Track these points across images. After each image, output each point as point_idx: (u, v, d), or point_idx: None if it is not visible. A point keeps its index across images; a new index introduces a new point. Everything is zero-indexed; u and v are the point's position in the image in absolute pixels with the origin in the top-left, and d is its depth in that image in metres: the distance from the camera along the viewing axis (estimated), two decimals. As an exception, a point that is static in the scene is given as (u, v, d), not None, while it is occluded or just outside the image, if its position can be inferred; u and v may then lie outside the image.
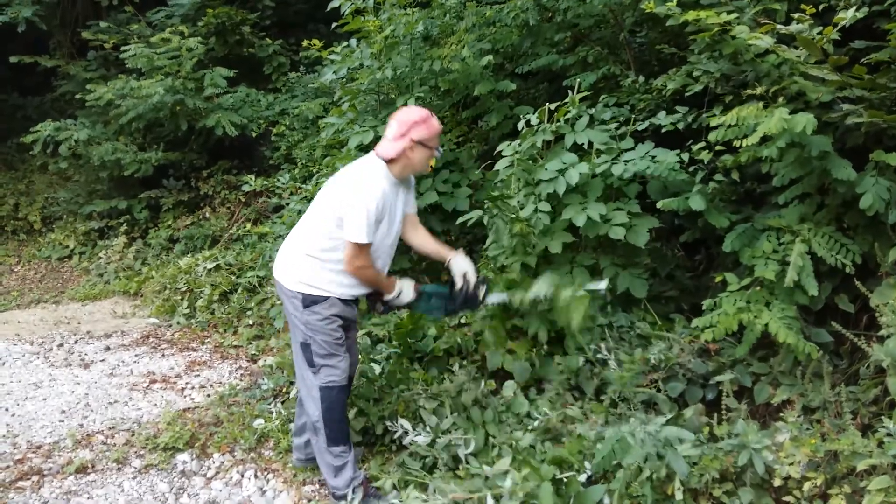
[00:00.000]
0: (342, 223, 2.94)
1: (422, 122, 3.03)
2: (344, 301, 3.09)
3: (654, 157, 3.48)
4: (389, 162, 3.04)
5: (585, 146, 3.63)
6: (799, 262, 2.97)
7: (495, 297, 3.36)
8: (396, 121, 3.05)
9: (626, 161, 3.48)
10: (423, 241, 3.37)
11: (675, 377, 3.30)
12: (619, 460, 2.68)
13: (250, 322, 5.71)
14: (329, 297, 3.05)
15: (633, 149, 3.59)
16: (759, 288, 3.13)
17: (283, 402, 4.16)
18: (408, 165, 3.07)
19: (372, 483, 3.20)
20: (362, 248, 2.95)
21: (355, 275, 3.02)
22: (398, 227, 3.16)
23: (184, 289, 6.44)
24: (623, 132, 3.69)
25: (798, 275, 2.97)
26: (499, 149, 3.79)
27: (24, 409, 4.31)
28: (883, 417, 2.61)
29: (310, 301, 3.04)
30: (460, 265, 3.25)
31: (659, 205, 3.44)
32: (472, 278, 3.23)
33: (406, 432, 3.33)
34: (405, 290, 3.19)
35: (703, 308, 3.24)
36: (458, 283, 3.23)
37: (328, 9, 4.74)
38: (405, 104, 4.30)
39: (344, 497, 3.10)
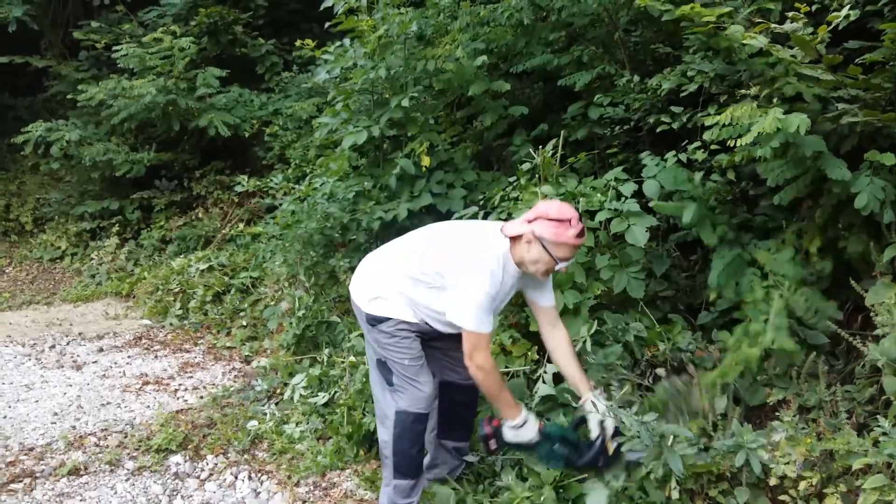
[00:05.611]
0: (444, 295, 2.61)
1: (554, 222, 2.53)
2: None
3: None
4: (511, 241, 2.64)
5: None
6: (776, 322, 2.97)
7: (633, 455, 2.59)
8: (536, 206, 2.65)
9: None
10: (561, 353, 2.80)
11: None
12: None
13: (244, 323, 5.68)
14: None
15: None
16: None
17: (276, 404, 4.15)
18: (522, 257, 2.60)
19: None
20: (481, 338, 2.53)
21: (475, 375, 2.58)
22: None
23: (176, 290, 6.40)
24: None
25: (775, 335, 2.95)
26: None
27: (16, 412, 4.27)
28: (878, 416, 2.61)
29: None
30: (597, 410, 2.63)
31: (654, 205, 3.44)
32: (610, 429, 2.58)
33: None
34: (530, 422, 2.61)
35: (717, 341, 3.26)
36: (594, 433, 2.60)
37: (321, 8, 4.72)
38: (399, 104, 4.29)
39: None
